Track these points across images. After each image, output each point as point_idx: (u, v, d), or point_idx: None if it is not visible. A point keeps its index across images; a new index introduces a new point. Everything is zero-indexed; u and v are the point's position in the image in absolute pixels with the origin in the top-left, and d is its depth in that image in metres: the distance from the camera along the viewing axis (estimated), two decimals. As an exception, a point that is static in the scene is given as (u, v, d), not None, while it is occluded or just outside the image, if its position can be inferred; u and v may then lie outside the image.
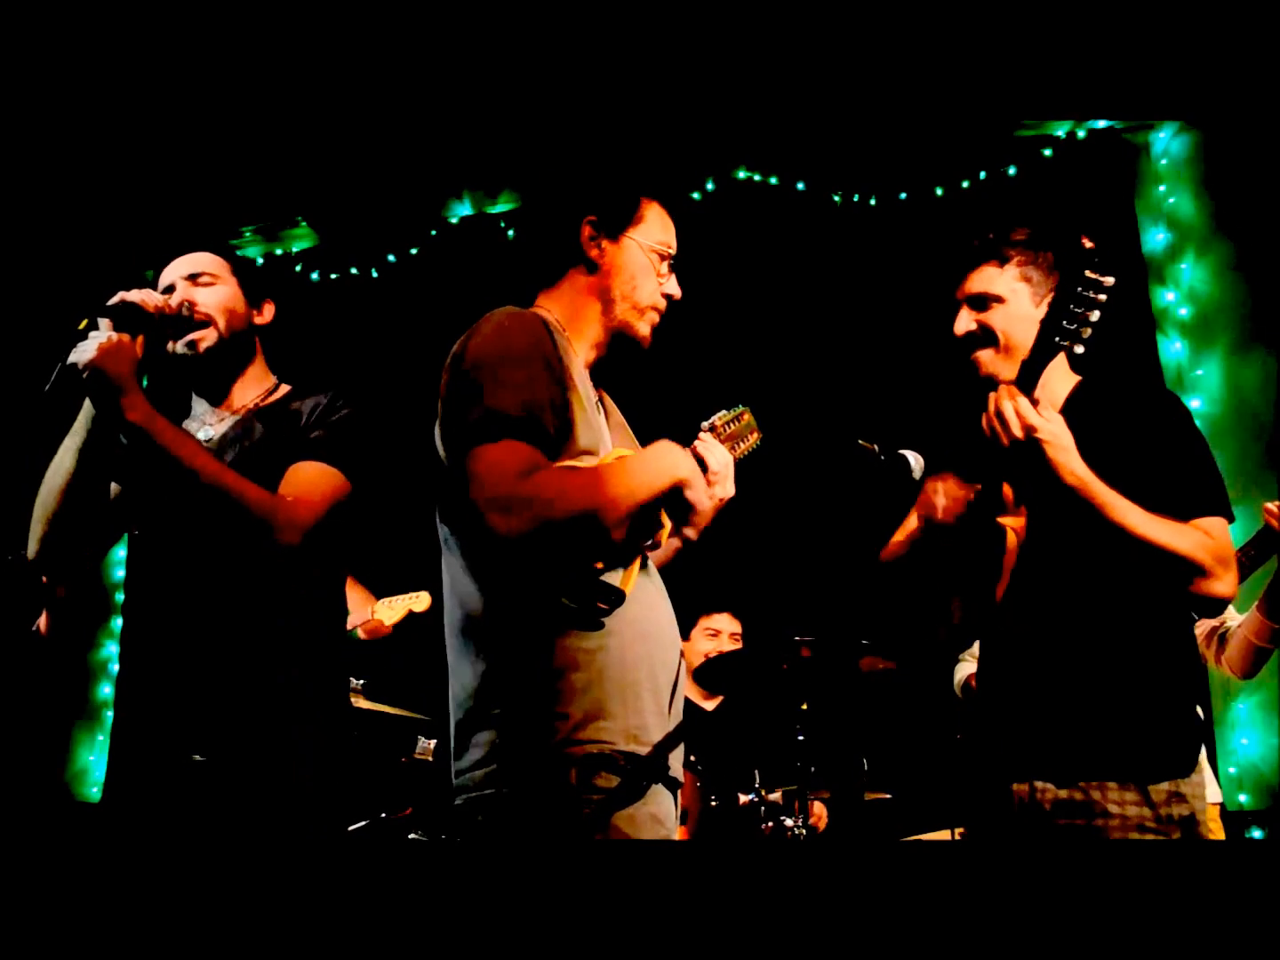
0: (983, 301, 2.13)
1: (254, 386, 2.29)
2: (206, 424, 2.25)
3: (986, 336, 2.13)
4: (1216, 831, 3.23)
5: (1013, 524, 2.11)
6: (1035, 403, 1.93)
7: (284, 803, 2.00)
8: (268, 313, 2.33)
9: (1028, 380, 1.93)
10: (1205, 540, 1.97)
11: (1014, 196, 5.00)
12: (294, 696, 2.07)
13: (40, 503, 2.14)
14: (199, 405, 2.29)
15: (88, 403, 2.05)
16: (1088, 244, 1.84)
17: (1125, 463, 1.99)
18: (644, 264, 2.01)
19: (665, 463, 1.86)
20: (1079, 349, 1.88)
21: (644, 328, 2.02)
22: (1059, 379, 2.15)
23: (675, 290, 2.05)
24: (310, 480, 2.09)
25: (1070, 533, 2.01)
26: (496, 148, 5.31)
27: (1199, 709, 3.37)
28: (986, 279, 2.13)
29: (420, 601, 4.06)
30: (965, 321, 2.15)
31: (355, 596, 4.15)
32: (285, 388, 2.32)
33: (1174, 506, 1.97)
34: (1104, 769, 1.97)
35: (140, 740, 2.10)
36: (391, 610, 4.04)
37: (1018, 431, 1.90)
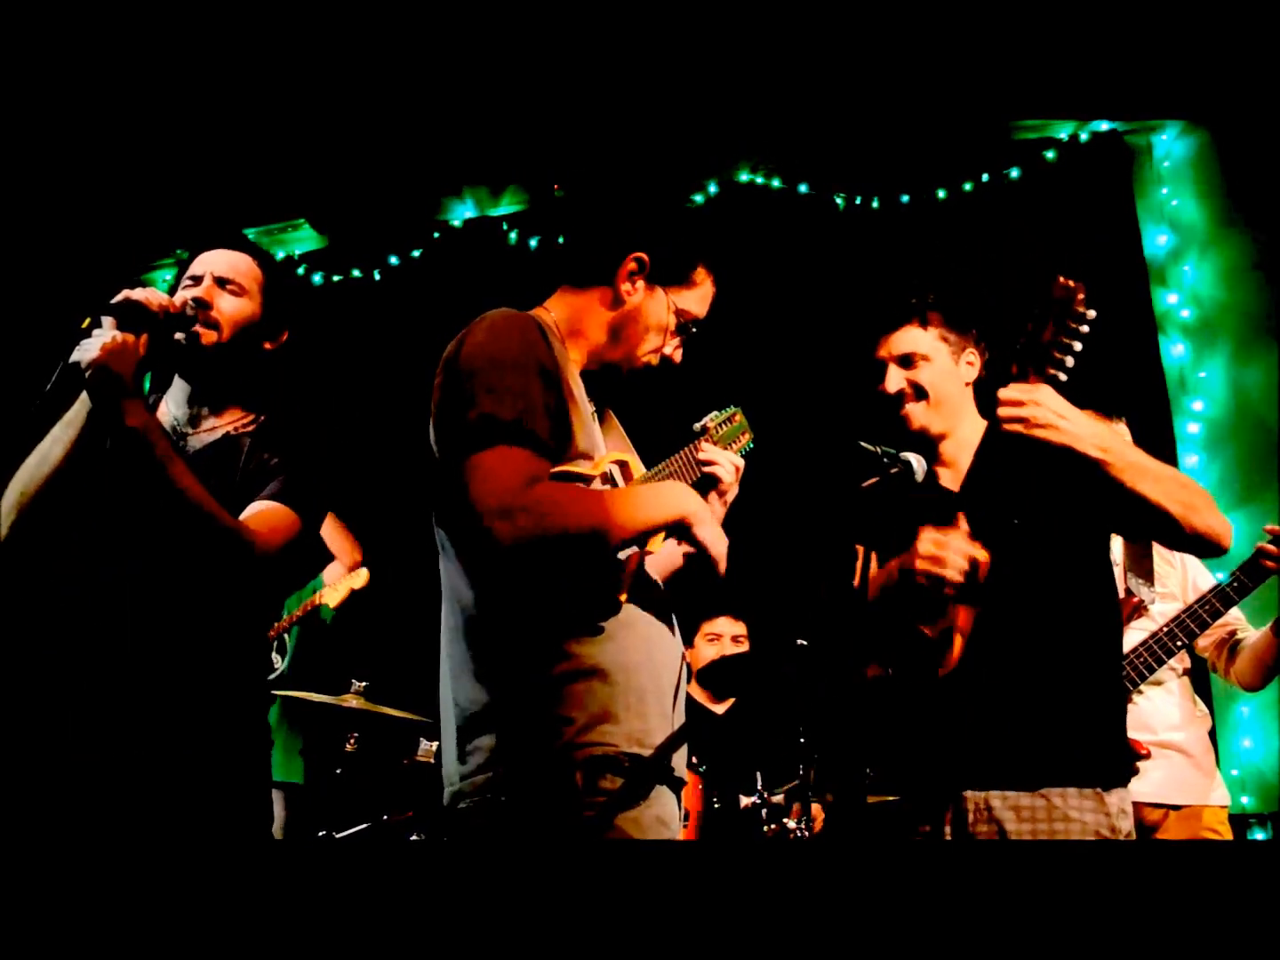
0: (910, 360, 2.32)
1: (238, 409, 2.25)
2: (182, 434, 2.21)
3: (917, 392, 2.31)
4: (1225, 835, 3.23)
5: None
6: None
7: (198, 810, 1.99)
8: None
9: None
10: (1192, 480, 2.11)
11: (1016, 198, 5.00)
12: (213, 709, 2.07)
13: (18, 487, 2.07)
14: (179, 409, 2.23)
15: (84, 395, 2.03)
16: (1069, 283, 1.97)
17: (1056, 485, 2.09)
18: (662, 322, 1.99)
19: (673, 498, 1.87)
20: (1062, 378, 2.00)
21: (628, 373, 2.02)
22: (970, 425, 2.33)
23: (676, 357, 2.04)
24: (273, 520, 2.10)
25: (1019, 559, 2.09)
26: (498, 148, 5.32)
27: (1208, 713, 3.39)
28: (912, 340, 2.33)
29: (359, 578, 4.18)
30: (896, 380, 2.33)
31: (343, 543, 4.30)
32: (262, 418, 2.28)
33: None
34: (1066, 775, 2.04)
35: (58, 741, 2.07)
36: (335, 592, 4.13)
37: (1035, 413, 1.97)
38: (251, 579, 2.08)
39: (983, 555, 2.04)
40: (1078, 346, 1.98)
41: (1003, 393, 2.02)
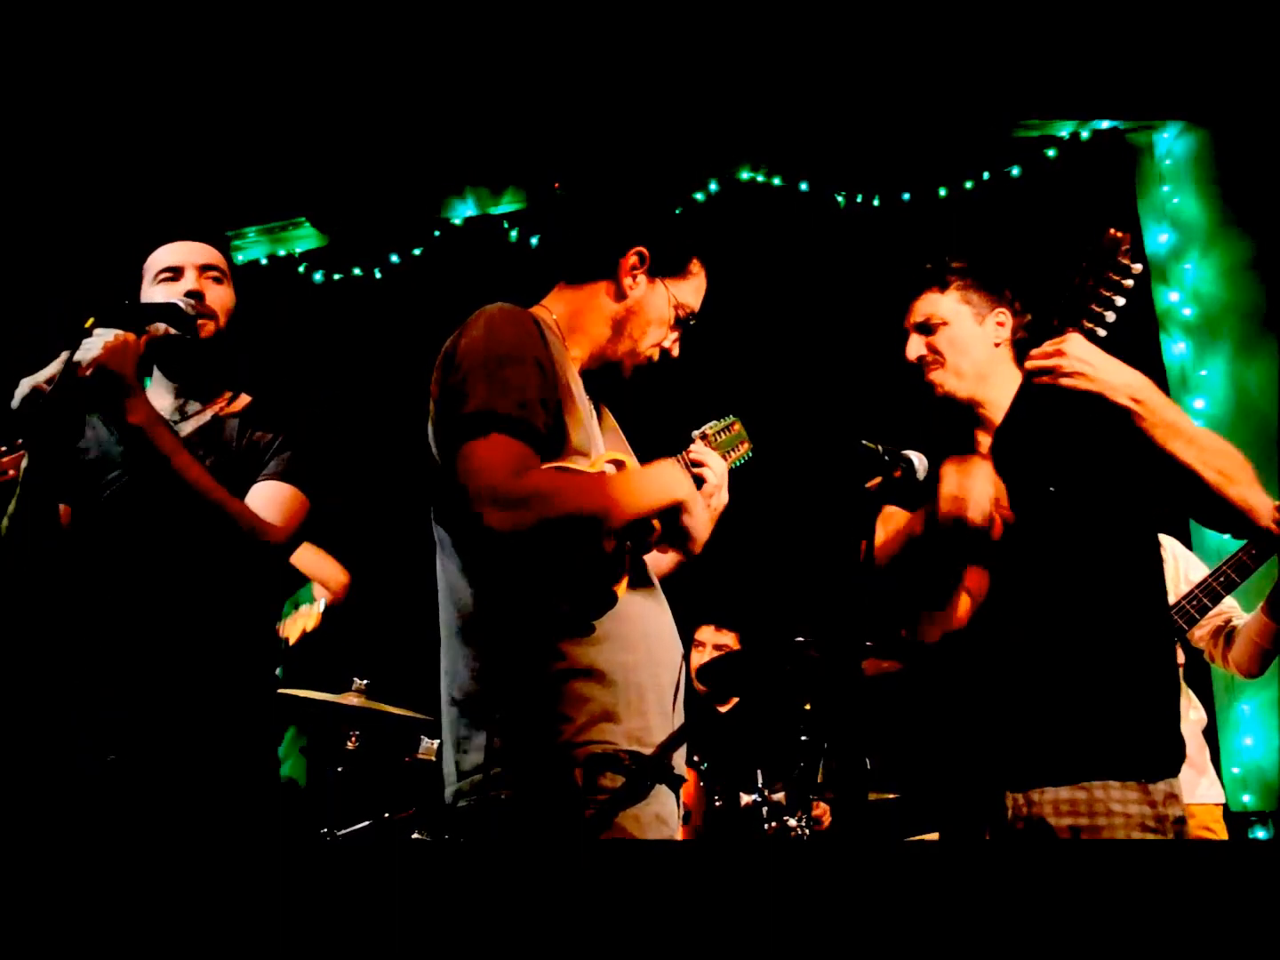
0: (928, 326, 2.25)
1: (219, 391, 2.28)
2: (171, 422, 2.21)
3: (936, 358, 2.23)
4: (1219, 833, 3.22)
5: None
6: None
7: (203, 804, 1.99)
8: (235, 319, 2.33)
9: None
10: (1239, 452, 2.03)
11: (1017, 196, 5.00)
12: (219, 700, 2.07)
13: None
14: (162, 400, 2.24)
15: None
16: (1117, 234, 1.93)
17: (1091, 450, 2.04)
18: (663, 315, 2.01)
19: (666, 481, 1.87)
20: (1101, 332, 1.95)
21: (631, 370, 2.03)
22: (1008, 388, 2.19)
23: (675, 350, 2.06)
24: (284, 502, 2.12)
25: (1058, 534, 2.04)
26: (498, 146, 5.32)
27: (1203, 710, 3.38)
28: (930, 304, 2.26)
29: (311, 618, 4.04)
30: (916, 346, 2.26)
31: (326, 566, 4.15)
32: (246, 398, 2.31)
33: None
34: (1107, 768, 1.98)
35: (57, 740, 2.07)
36: (294, 628, 4.03)
37: (1059, 362, 1.93)
38: (268, 564, 2.09)
39: (1001, 495, 2.00)
40: (1120, 301, 1.92)
41: (1033, 351, 1.97)
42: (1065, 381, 1.92)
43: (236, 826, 2.01)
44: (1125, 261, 1.91)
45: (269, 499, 2.10)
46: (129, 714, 2.02)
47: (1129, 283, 1.92)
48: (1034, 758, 2.01)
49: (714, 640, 4.43)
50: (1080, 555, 2.04)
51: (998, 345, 2.25)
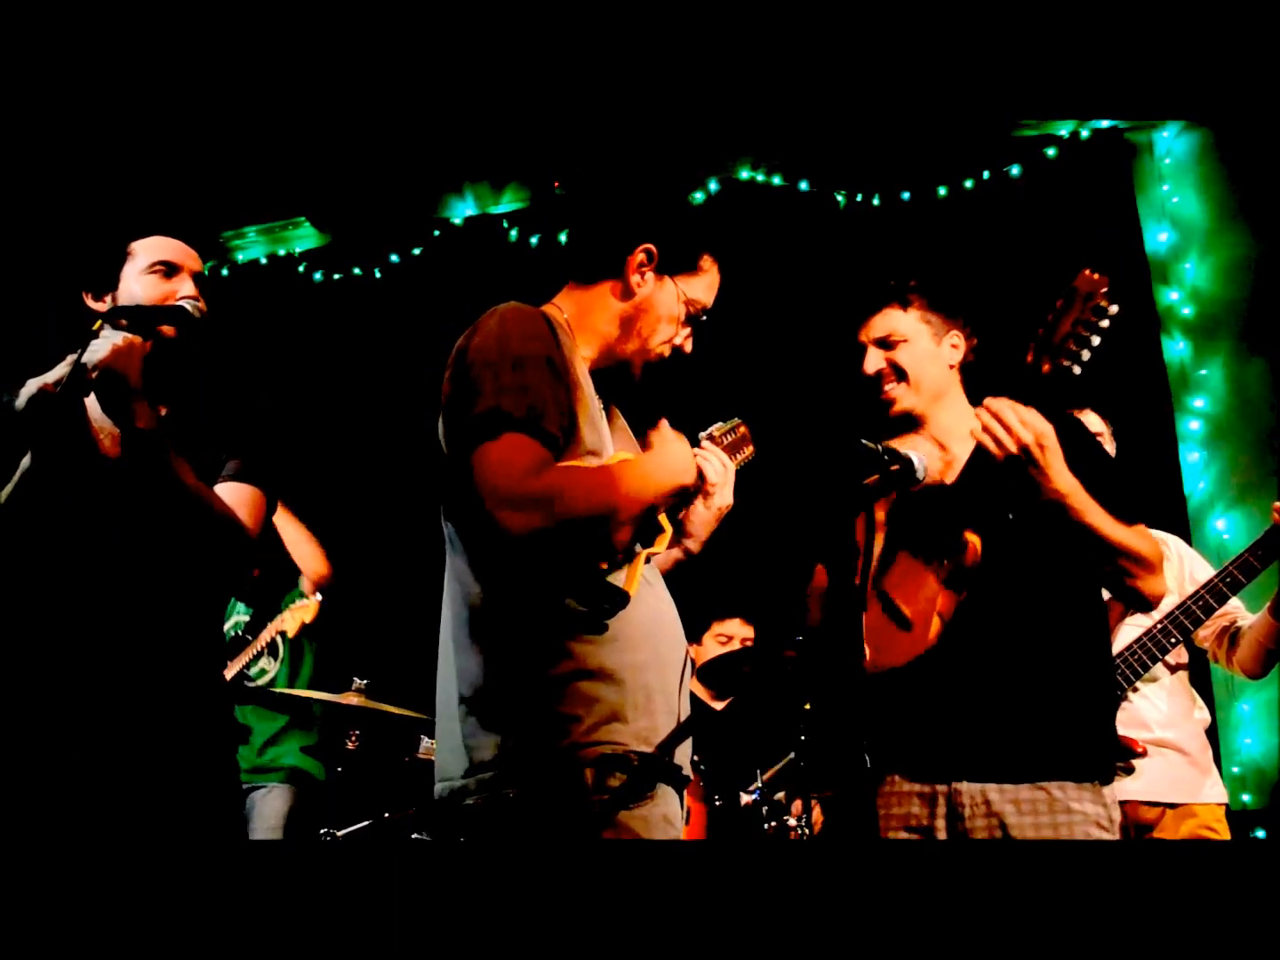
0: (888, 342, 2.30)
1: (176, 397, 2.27)
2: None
3: (897, 373, 2.29)
4: (1222, 833, 3.22)
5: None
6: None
7: (157, 802, 1.99)
8: None
9: (1025, 395, 2.02)
10: (1154, 544, 2.13)
11: (1017, 195, 4.99)
12: (172, 698, 2.07)
13: None
14: None
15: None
16: (1093, 275, 1.97)
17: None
18: (673, 312, 2.00)
19: (674, 466, 1.88)
20: (1077, 370, 1.99)
21: (641, 369, 2.02)
22: (956, 410, 2.30)
23: (687, 346, 2.05)
24: (248, 502, 2.16)
25: (1016, 558, 2.11)
26: (498, 145, 5.32)
27: (1207, 711, 3.38)
28: (892, 320, 2.31)
29: (309, 611, 4.08)
30: (875, 360, 2.31)
31: (308, 551, 4.17)
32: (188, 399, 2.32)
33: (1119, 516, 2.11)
34: (1065, 769, 2.07)
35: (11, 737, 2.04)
36: (291, 622, 4.07)
37: (1026, 437, 1.95)
38: (249, 559, 2.15)
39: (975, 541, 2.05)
40: (1096, 341, 1.96)
41: (1010, 406, 1.99)
42: (1014, 448, 1.97)
43: (194, 817, 2.02)
44: (1103, 304, 1.95)
45: (234, 500, 2.13)
46: (83, 708, 2.01)
47: (1105, 323, 1.96)
48: (991, 755, 2.07)
49: (743, 633, 4.40)
50: (1036, 571, 2.12)
51: (951, 367, 2.32)
